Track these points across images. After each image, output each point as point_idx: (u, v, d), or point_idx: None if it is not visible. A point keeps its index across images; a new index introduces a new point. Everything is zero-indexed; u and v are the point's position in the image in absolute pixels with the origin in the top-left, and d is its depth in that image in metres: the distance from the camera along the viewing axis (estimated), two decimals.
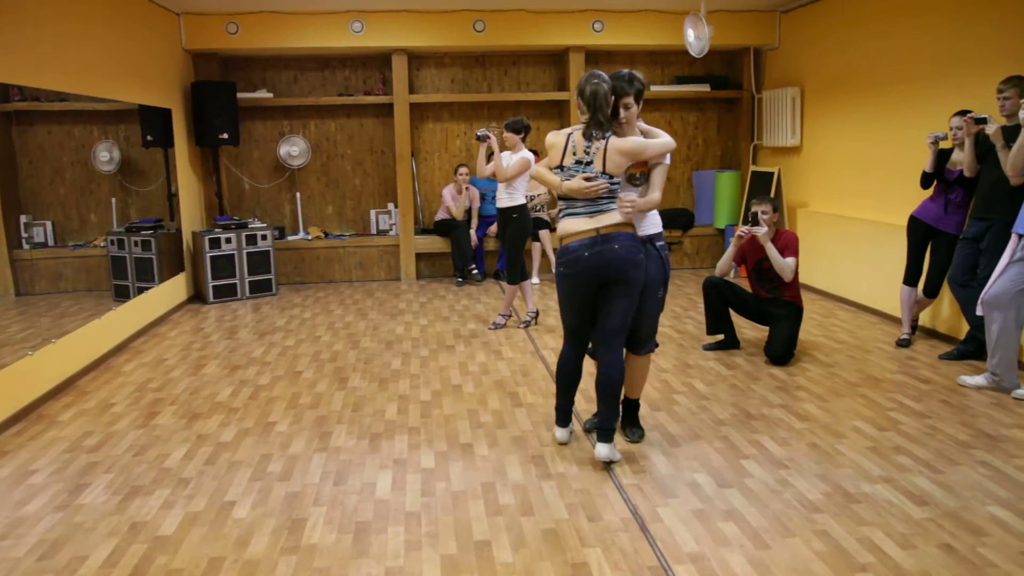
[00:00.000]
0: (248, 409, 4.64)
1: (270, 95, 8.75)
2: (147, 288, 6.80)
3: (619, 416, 4.01)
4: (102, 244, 6.16)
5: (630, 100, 3.60)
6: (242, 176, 8.98)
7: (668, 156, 3.71)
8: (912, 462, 3.70)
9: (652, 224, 3.75)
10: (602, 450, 3.68)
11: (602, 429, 3.70)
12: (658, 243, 3.74)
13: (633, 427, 4.06)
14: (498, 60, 9.12)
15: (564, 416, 3.95)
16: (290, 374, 5.32)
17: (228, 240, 7.80)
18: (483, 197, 8.75)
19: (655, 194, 3.66)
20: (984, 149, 5.02)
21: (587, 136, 3.58)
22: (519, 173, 6.00)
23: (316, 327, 6.68)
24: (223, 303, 7.78)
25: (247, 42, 8.00)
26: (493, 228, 8.62)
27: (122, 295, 6.36)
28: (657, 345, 3.97)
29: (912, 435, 4.03)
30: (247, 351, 5.93)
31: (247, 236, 7.91)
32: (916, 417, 4.28)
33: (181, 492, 3.54)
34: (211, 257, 7.70)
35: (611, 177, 3.54)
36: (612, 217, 3.54)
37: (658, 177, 3.67)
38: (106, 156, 6.23)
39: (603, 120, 3.54)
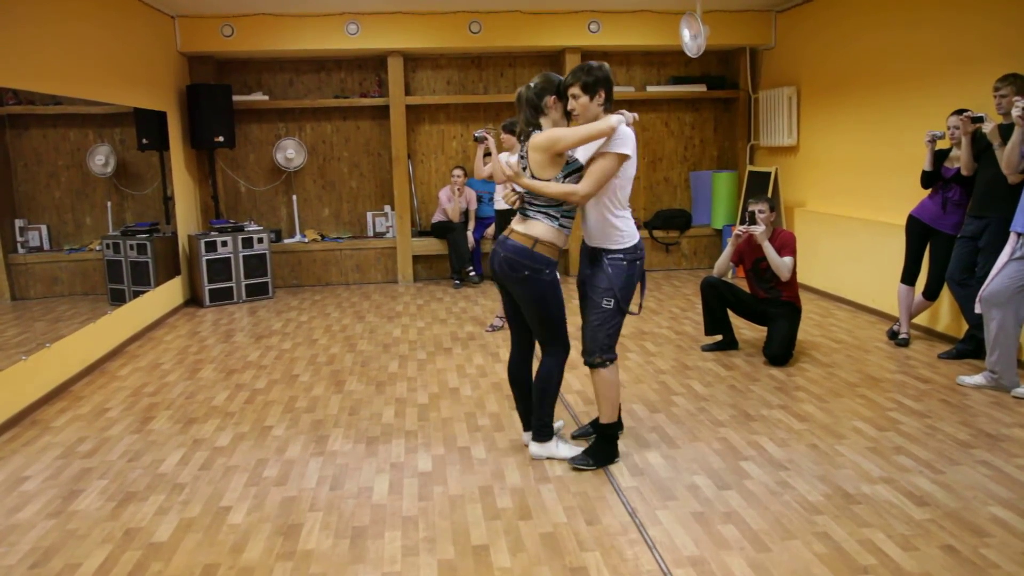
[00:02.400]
0: (244, 413, 4.61)
1: (266, 98, 8.73)
2: (143, 292, 6.78)
3: (591, 436, 3.85)
4: (98, 248, 6.13)
5: (575, 90, 3.43)
6: (238, 179, 8.96)
7: (619, 144, 3.37)
8: (912, 462, 3.68)
9: (609, 237, 3.52)
10: (531, 447, 3.80)
11: (535, 426, 3.76)
12: (611, 256, 3.51)
13: (586, 453, 3.72)
14: (494, 61, 9.10)
15: (524, 420, 3.92)
16: (287, 378, 5.30)
17: (224, 243, 7.78)
18: (480, 199, 8.76)
19: (577, 186, 3.39)
20: (981, 147, 5.01)
21: (520, 139, 3.61)
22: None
23: (313, 330, 6.66)
24: (219, 307, 7.75)
25: (242, 44, 7.97)
26: (490, 230, 8.61)
27: (118, 299, 6.33)
28: (609, 361, 3.58)
29: (912, 435, 4.01)
30: (243, 355, 5.91)
31: (243, 239, 7.89)
32: (916, 417, 4.26)
33: (176, 498, 3.51)
34: (207, 260, 7.67)
35: (535, 178, 3.47)
36: (522, 223, 3.54)
37: (594, 168, 3.39)
38: (101, 159, 6.21)
39: (528, 120, 3.54)
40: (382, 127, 9.06)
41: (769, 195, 8.04)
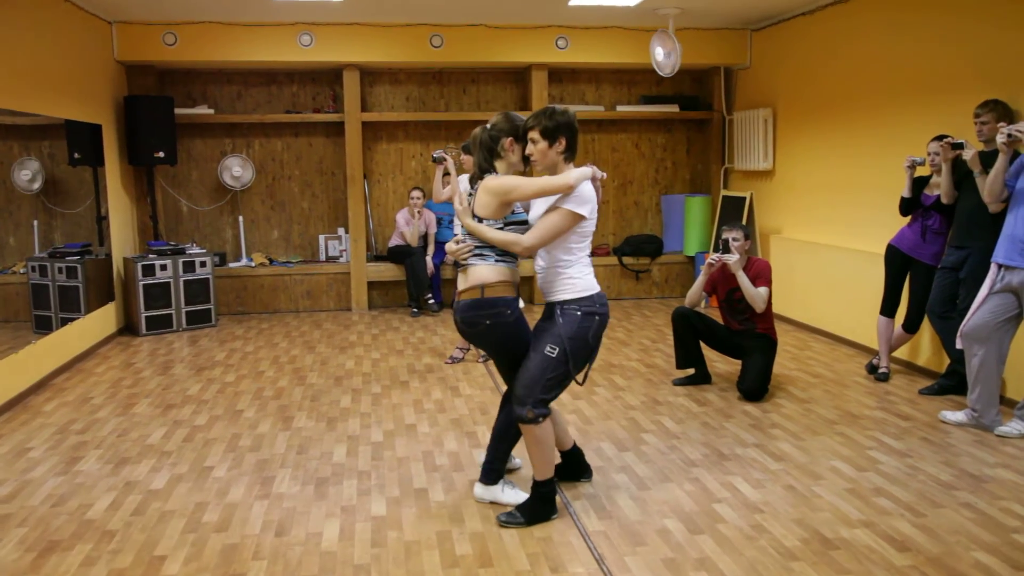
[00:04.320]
0: (182, 452, 4.54)
1: (211, 111, 8.68)
2: (72, 319, 6.66)
3: (534, 483, 3.73)
4: (22, 271, 6.01)
5: (534, 134, 3.47)
6: (179, 198, 8.87)
7: (577, 203, 3.40)
8: (893, 505, 3.72)
9: (560, 287, 3.52)
10: (476, 487, 3.85)
11: (483, 466, 3.80)
12: (564, 307, 3.50)
13: (519, 509, 3.61)
14: (456, 77, 9.16)
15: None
16: (229, 413, 5.23)
17: (163, 267, 7.68)
18: (440, 222, 8.76)
19: (522, 236, 3.44)
20: (962, 175, 5.13)
21: (472, 183, 3.70)
22: None
23: (259, 361, 6.60)
24: (157, 335, 7.64)
25: (186, 54, 7.94)
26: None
27: (44, 327, 6.20)
28: (542, 417, 3.47)
29: (892, 475, 4.06)
30: (182, 388, 5.82)
31: (184, 263, 7.80)
32: (896, 456, 4.33)
33: (105, 547, 3.43)
34: (144, 285, 7.57)
35: (480, 220, 3.51)
36: (463, 279, 3.58)
37: (545, 220, 3.43)
38: (27, 175, 6.11)
39: (481, 162, 3.61)
40: (336, 145, 9.05)
41: (744, 221, 8.17)
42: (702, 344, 5.67)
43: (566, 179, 3.39)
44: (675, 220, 9.44)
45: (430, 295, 8.41)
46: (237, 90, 8.90)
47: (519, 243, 3.44)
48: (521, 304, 3.75)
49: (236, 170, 8.68)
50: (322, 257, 9.04)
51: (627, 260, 9.23)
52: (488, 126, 3.61)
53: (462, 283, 3.55)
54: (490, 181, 3.50)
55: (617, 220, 9.62)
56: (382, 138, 9.16)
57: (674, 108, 9.24)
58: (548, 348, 3.48)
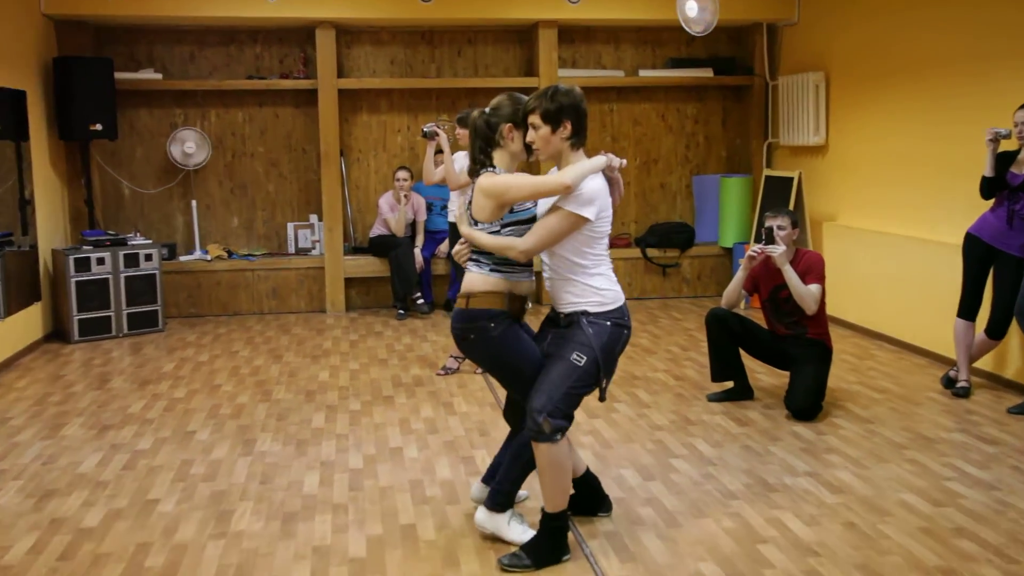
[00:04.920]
0: (122, 483, 4.49)
1: (159, 76, 8.63)
2: None
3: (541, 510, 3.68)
4: None
5: (534, 119, 3.52)
6: (120, 179, 8.81)
7: (579, 203, 3.44)
8: (978, 548, 3.66)
9: (587, 301, 3.57)
10: (479, 512, 3.80)
11: (491, 490, 3.78)
12: (588, 319, 3.55)
13: (524, 549, 3.57)
14: (450, 37, 9.10)
15: (490, 470, 4.03)
16: (179, 435, 5.20)
17: (100, 261, 7.64)
18: (430, 208, 8.73)
19: (518, 240, 3.51)
20: None
21: (470, 175, 3.79)
22: (468, 183, 6.04)
23: (215, 373, 6.55)
24: (92, 342, 7.59)
25: (128, 8, 7.89)
26: (443, 246, 8.56)
27: None
28: (560, 433, 3.47)
29: (977, 512, 4.00)
30: (122, 405, 5.79)
31: (126, 256, 7.76)
32: (981, 489, 4.26)
33: None
34: (77, 283, 7.53)
35: (477, 223, 3.61)
36: (465, 283, 3.71)
37: (544, 221, 3.51)
38: None
39: (477, 154, 3.70)
40: (308, 116, 8.98)
41: (791, 207, 8.09)
42: (742, 352, 5.60)
43: (561, 179, 3.42)
44: (709, 205, 9.34)
45: (419, 294, 8.38)
46: (190, 51, 8.84)
47: (514, 247, 3.51)
48: (528, 305, 3.76)
49: (189, 146, 8.62)
50: (291, 249, 8.97)
51: (652, 253, 9.14)
52: (488, 110, 3.64)
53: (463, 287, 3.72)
54: (484, 181, 3.57)
55: (640, 205, 9.54)
56: (362, 109, 9.08)
57: (707, 73, 9.17)
58: (575, 356, 3.51)
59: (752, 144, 9.30)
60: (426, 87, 8.97)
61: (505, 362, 3.63)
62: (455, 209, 6.55)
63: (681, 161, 9.58)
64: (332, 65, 8.57)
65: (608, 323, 3.55)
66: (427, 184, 6.52)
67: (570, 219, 3.44)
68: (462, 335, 3.64)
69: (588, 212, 3.43)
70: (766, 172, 8.88)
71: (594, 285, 3.57)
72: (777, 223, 5.26)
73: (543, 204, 3.61)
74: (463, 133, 6.07)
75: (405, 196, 8.35)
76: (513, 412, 3.84)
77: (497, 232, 3.55)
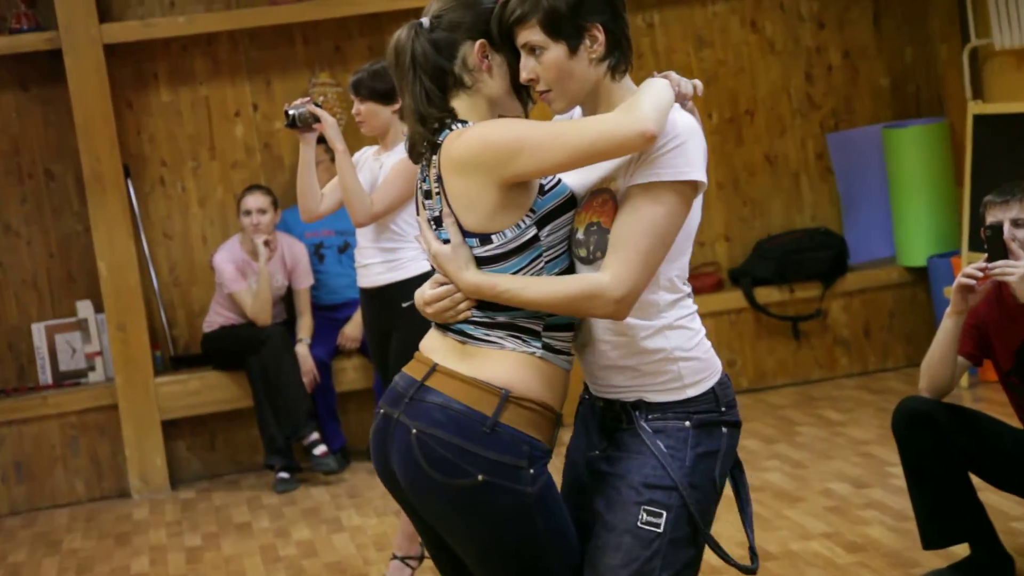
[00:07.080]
0: None
1: None
2: None
3: None
4: None
5: (532, 33, 2.22)
6: None
7: (681, 159, 2.20)
8: None
9: (648, 368, 2.30)
10: None
11: None
12: (672, 415, 2.29)
13: None
14: None
15: None
16: None
17: None
18: (321, 257, 6.41)
19: (602, 276, 2.20)
20: None
21: (412, 155, 2.46)
22: (404, 198, 4.35)
23: None
24: None
25: None
26: (351, 329, 6.27)
27: None
28: None
29: None
30: None
31: None
32: None
33: None
34: None
35: (468, 235, 2.33)
36: (458, 354, 2.39)
37: (636, 227, 2.21)
38: None
39: (422, 107, 2.35)
40: (50, 106, 6.49)
41: None
42: (975, 480, 4.09)
43: (632, 118, 2.15)
44: (869, 188, 6.83)
45: (314, 435, 6.05)
46: None
47: (603, 294, 2.23)
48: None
49: None
50: (44, 378, 6.46)
51: (763, 296, 6.49)
52: (426, 20, 2.36)
53: (452, 359, 2.34)
54: (460, 143, 2.27)
55: (729, 204, 6.84)
56: (158, 79, 6.47)
57: None
58: (644, 517, 2.34)
59: (941, 54, 6.73)
60: (282, 22, 6.36)
61: (525, 555, 2.27)
62: (372, 259, 4.53)
63: (800, 107, 6.80)
64: (91, 3, 6.11)
65: (690, 424, 2.28)
66: (307, 217, 4.52)
67: (680, 196, 2.21)
68: (456, 469, 2.27)
69: (700, 173, 2.25)
70: (974, 109, 6.40)
71: (669, 342, 2.26)
72: (1012, 215, 3.99)
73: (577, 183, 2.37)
74: (366, 110, 4.41)
75: (266, 243, 6.01)
76: None
77: (532, 245, 2.21)
